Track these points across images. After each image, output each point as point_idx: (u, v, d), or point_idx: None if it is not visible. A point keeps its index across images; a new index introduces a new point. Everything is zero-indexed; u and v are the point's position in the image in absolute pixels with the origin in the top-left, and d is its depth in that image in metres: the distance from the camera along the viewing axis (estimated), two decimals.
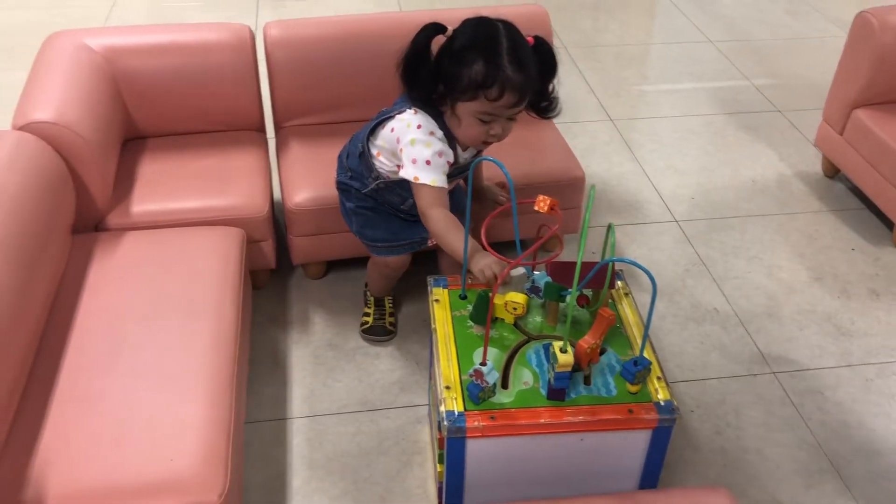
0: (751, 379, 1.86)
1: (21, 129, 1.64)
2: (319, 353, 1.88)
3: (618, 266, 1.61)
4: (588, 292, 1.45)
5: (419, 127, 1.53)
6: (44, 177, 1.58)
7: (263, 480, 1.60)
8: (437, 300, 1.48)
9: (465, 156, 1.62)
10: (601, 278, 1.37)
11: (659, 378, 1.34)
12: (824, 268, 2.18)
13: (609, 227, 1.36)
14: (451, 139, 1.56)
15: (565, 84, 2.94)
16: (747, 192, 2.47)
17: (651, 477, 1.39)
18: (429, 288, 1.52)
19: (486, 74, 1.42)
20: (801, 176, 2.55)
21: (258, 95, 2.07)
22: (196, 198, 1.85)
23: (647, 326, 1.30)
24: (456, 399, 1.29)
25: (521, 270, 1.47)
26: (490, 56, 1.42)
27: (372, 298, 1.95)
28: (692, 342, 1.95)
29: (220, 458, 1.30)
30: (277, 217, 2.07)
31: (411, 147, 1.52)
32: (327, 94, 2.08)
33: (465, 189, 1.77)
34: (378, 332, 1.92)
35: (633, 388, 1.31)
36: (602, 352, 1.38)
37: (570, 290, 1.37)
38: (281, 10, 3.43)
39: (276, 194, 2.14)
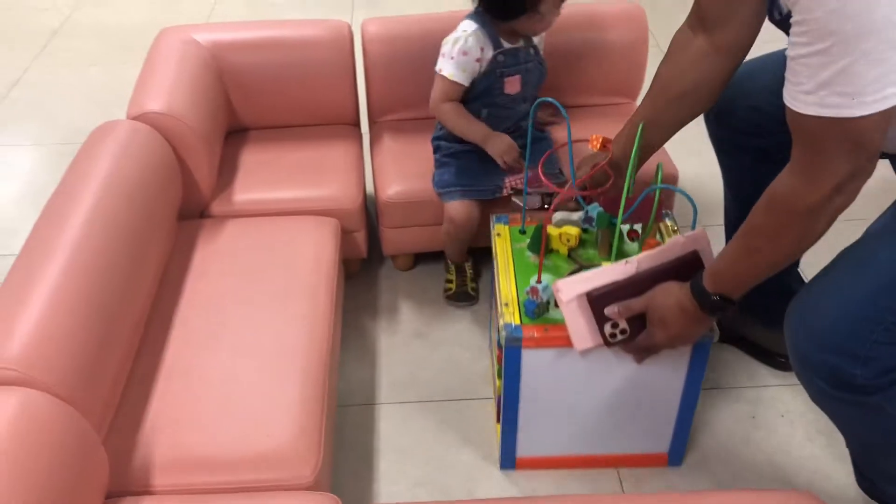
0: None
1: (136, 118, 1.73)
2: (407, 342, 1.92)
3: (674, 210, 1.70)
4: (638, 228, 1.54)
5: (460, 29, 1.74)
6: (155, 164, 1.67)
7: (352, 461, 1.66)
8: (498, 234, 1.60)
9: (517, 44, 1.77)
10: (650, 212, 1.46)
11: None
12: None
13: (658, 166, 1.46)
14: (494, 31, 1.74)
15: None
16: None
17: (692, 389, 1.50)
18: (491, 224, 1.63)
19: None
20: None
21: (354, 91, 2.13)
22: (294, 188, 1.93)
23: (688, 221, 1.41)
24: (514, 314, 1.42)
25: (575, 215, 1.54)
26: None
27: (453, 266, 2.01)
28: None
29: (314, 436, 1.36)
30: (369, 209, 2.12)
31: (444, 45, 1.76)
32: (421, 90, 2.11)
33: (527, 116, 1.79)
34: (462, 298, 1.99)
35: None
36: None
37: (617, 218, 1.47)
38: (374, 9, 3.51)
39: (369, 187, 2.19)
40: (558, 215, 1.54)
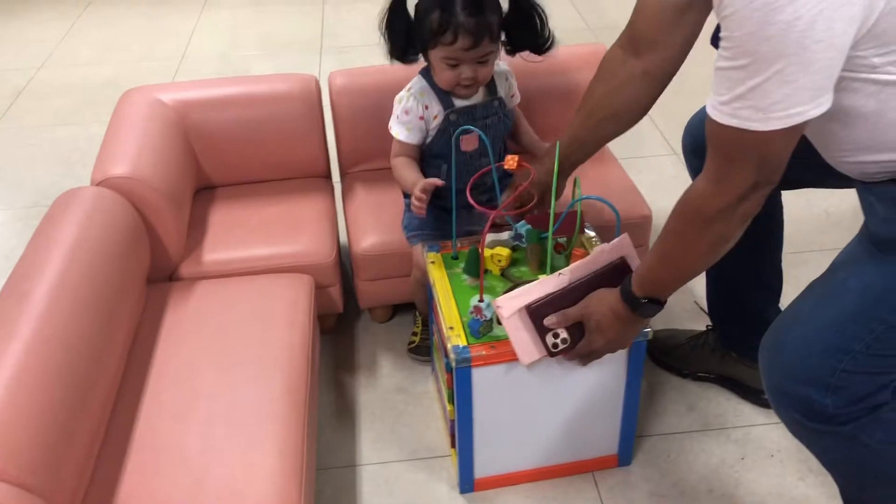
0: None
1: (100, 184, 1.70)
2: (388, 398, 1.88)
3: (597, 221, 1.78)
4: (562, 240, 1.62)
5: (406, 87, 1.75)
6: (120, 230, 1.63)
7: None
8: (432, 262, 1.66)
9: (473, 100, 1.74)
10: (573, 227, 1.58)
11: None
12: None
13: (575, 180, 1.56)
14: (445, 94, 1.72)
15: None
16: (822, 224, 2.40)
17: (633, 389, 1.58)
18: (423, 253, 1.69)
19: (441, 21, 1.57)
20: None
21: (324, 143, 2.11)
22: (265, 245, 1.89)
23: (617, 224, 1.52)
24: (460, 335, 1.48)
25: (506, 235, 1.65)
26: (446, 4, 1.57)
27: (420, 318, 1.98)
28: None
29: None
30: (344, 262, 2.09)
31: (395, 105, 1.77)
32: (391, 140, 2.10)
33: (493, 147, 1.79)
34: (423, 352, 1.95)
35: None
36: None
37: (546, 233, 1.54)
38: (344, 57, 3.51)
39: (343, 239, 2.16)
40: (489, 237, 1.61)
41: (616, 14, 3.98)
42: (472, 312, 1.47)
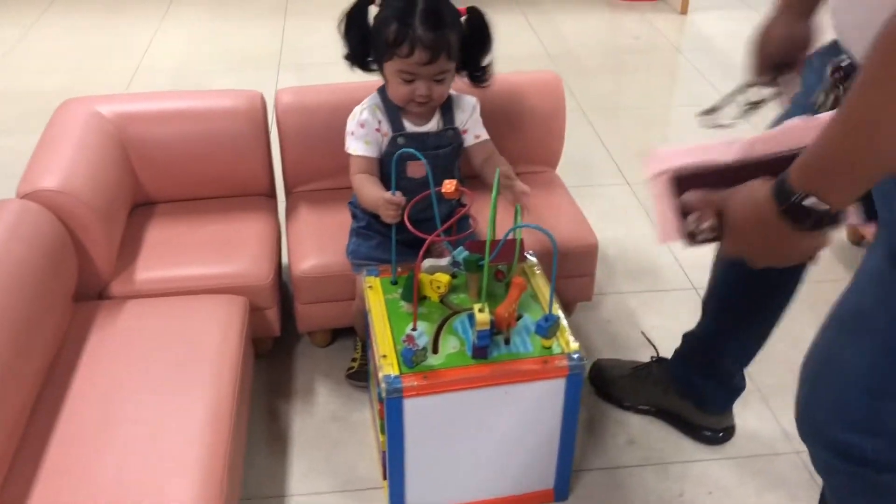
0: (772, 458, 1.77)
1: (26, 196, 1.63)
2: (323, 426, 1.83)
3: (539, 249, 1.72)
4: (503, 267, 1.60)
5: (361, 104, 1.71)
6: (45, 246, 1.57)
7: None
8: (370, 287, 1.62)
9: (426, 127, 1.70)
10: (513, 254, 1.56)
11: (568, 333, 1.51)
12: None
13: (516, 208, 1.54)
14: (397, 110, 1.68)
15: (582, 148, 2.92)
16: None
17: (570, 422, 1.54)
18: (362, 277, 1.65)
19: (398, 33, 1.54)
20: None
21: (268, 161, 2.06)
22: (201, 265, 1.84)
23: (552, 286, 1.48)
24: (392, 365, 1.43)
25: (445, 261, 1.61)
26: (404, 16, 1.54)
27: (360, 343, 1.94)
28: None
29: None
30: (286, 283, 2.04)
31: (349, 122, 1.72)
32: (338, 159, 2.05)
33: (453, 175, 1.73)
34: (361, 378, 1.90)
35: (546, 343, 1.47)
36: (519, 318, 1.53)
37: (484, 259, 1.52)
38: (303, 74, 3.48)
39: (286, 259, 2.11)
40: (428, 262, 1.57)
41: (575, 41, 4.01)
42: (404, 341, 1.43)
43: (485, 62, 1.72)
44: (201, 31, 4.03)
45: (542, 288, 1.62)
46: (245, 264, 1.84)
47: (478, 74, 1.72)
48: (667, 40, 4.03)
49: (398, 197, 1.56)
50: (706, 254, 2.40)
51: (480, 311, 1.41)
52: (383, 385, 1.41)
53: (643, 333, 2.09)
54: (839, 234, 2.50)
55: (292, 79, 3.43)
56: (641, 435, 1.83)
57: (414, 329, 1.44)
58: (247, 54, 3.76)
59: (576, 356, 1.47)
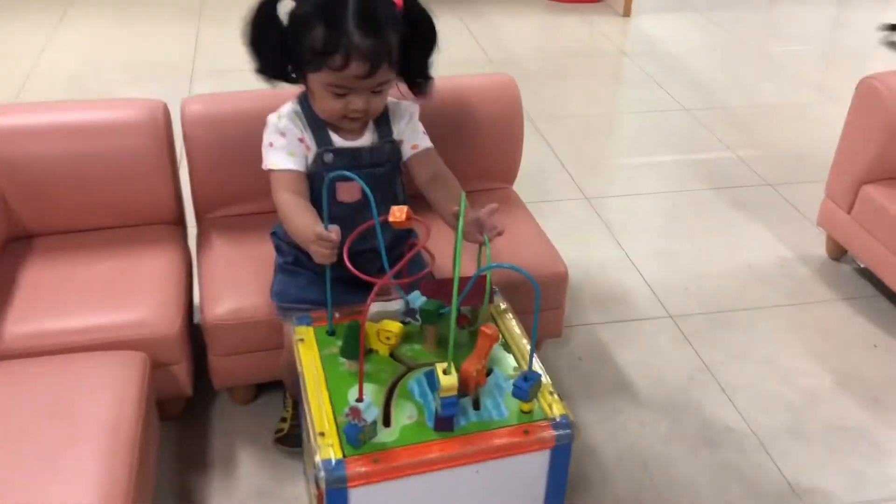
0: None
1: None
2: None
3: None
4: (466, 311, 1.32)
5: (277, 112, 1.39)
6: None
7: None
8: (301, 339, 1.30)
9: (359, 142, 1.39)
10: (479, 295, 1.27)
11: (551, 392, 1.21)
12: (847, 370, 1.87)
13: (484, 240, 1.25)
14: (322, 123, 1.37)
15: (534, 159, 2.65)
16: (746, 279, 2.17)
17: (556, 502, 1.25)
18: (291, 324, 1.33)
19: (327, 40, 1.23)
20: (804, 259, 2.27)
21: (174, 183, 1.72)
22: (89, 313, 1.49)
23: (533, 337, 1.17)
24: (332, 446, 1.12)
25: (395, 304, 1.30)
26: (332, 18, 1.23)
27: (290, 400, 1.62)
28: (705, 472, 1.60)
29: None
30: (199, 329, 1.70)
31: (265, 133, 1.40)
32: (257, 178, 1.72)
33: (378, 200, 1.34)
34: (293, 442, 1.58)
35: (526, 407, 1.18)
36: (488, 373, 1.24)
37: (448, 307, 1.21)
38: (219, 81, 3.12)
39: (199, 300, 1.77)
40: (375, 308, 1.29)
41: (515, 45, 3.76)
42: (348, 415, 1.11)
43: (428, 66, 1.39)
44: (105, 35, 3.64)
45: (512, 331, 1.33)
46: (145, 310, 1.50)
47: (419, 81, 1.40)
48: (611, 43, 3.82)
49: (333, 232, 1.23)
50: (678, 278, 2.17)
51: (445, 372, 1.11)
52: (322, 473, 1.09)
53: None
54: (818, 250, 2.30)
55: (207, 87, 3.07)
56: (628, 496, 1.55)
57: (360, 399, 1.12)
58: (156, 61, 3.39)
59: (563, 422, 1.19)
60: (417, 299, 1.21)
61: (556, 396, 1.22)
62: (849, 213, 2.12)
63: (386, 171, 1.42)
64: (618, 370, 1.85)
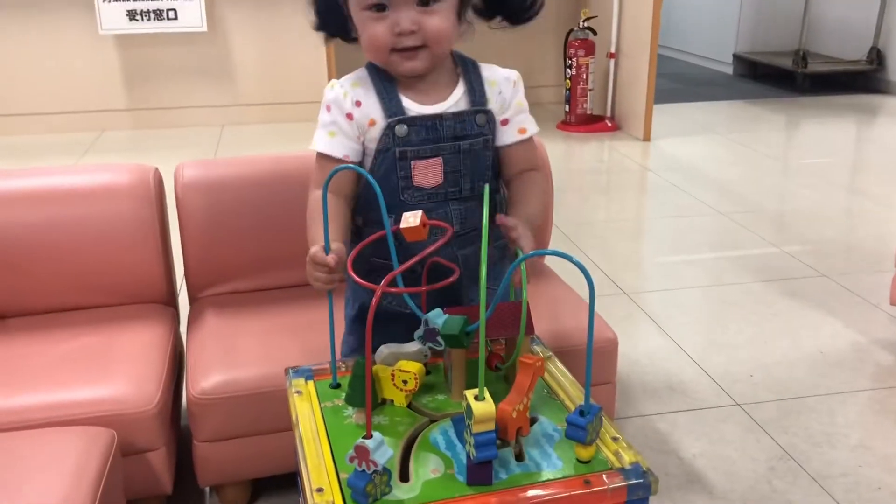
0: None
1: None
2: None
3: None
4: (499, 348, 1.08)
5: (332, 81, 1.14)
6: None
7: None
8: (297, 392, 1.06)
9: (438, 107, 1.10)
10: (514, 323, 1.00)
11: (615, 438, 0.95)
12: None
13: (516, 251, 1.04)
14: (392, 86, 1.10)
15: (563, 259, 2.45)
16: (819, 365, 1.90)
17: None
18: (287, 381, 1.08)
19: None
20: (880, 343, 1.99)
21: (165, 257, 1.53)
22: (57, 389, 1.26)
23: (588, 369, 0.88)
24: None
25: (410, 346, 1.04)
26: None
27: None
28: None
29: None
30: (184, 417, 1.45)
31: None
32: (257, 252, 1.55)
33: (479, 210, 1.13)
34: None
35: (584, 454, 0.91)
36: (533, 422, 0.98)
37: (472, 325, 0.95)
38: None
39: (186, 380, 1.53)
40: (386, 349, 1.04)
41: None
42: (351, 459, 0.85)
43: None
44: None
45: (558, 377, 1.08)
46: (120, 386, 1.26)
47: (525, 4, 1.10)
48: (633, 162, 3.71)
49: (331, 254, 0.99)
50: (740, 367, 1.90)
51: (477, 398, 0.86)
52: None
53: None
54: (890, 334, 2.02)
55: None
56: None
57: (369, 436, 0.86)
58: None
59: (634, 469, 0.91)
60: (439, 317, 0.96)
61: (623, 442, 0.95)
62: None
63: (474, 147, 1.11)
64: (685, 463, 1.55)
